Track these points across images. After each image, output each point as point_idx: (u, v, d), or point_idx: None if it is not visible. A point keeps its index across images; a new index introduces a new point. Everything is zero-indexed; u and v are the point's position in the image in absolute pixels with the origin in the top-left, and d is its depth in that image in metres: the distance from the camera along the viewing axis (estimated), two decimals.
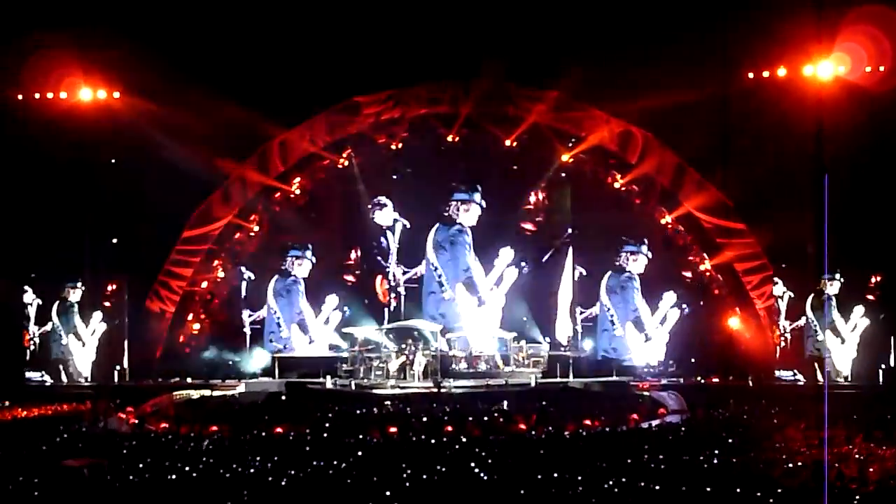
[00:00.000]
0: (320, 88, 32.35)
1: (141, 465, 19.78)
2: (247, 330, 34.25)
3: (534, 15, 30.18)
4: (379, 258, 34.61)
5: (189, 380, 32.31)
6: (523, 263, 34.29)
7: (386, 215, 34.38)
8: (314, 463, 19.91)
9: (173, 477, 18.99)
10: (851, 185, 29.40)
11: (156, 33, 31.29)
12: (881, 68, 30.08)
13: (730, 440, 21.91)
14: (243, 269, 34.63)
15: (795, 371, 31.86)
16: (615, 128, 33.03)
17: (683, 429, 24.14)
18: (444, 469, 19.25)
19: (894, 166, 30.13)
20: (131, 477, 19.00)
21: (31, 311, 33.28)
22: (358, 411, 26.55)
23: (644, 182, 33.66)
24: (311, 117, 33.89)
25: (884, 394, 29.28)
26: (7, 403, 28.34)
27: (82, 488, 18.34)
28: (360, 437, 23.58)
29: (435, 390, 29.70)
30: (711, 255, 33.39)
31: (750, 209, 32.12)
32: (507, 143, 33.79)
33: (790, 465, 18.95)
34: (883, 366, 30.80)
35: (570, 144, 33.52)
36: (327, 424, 25.05)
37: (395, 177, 34.43)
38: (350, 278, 35.11)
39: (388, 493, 17.46)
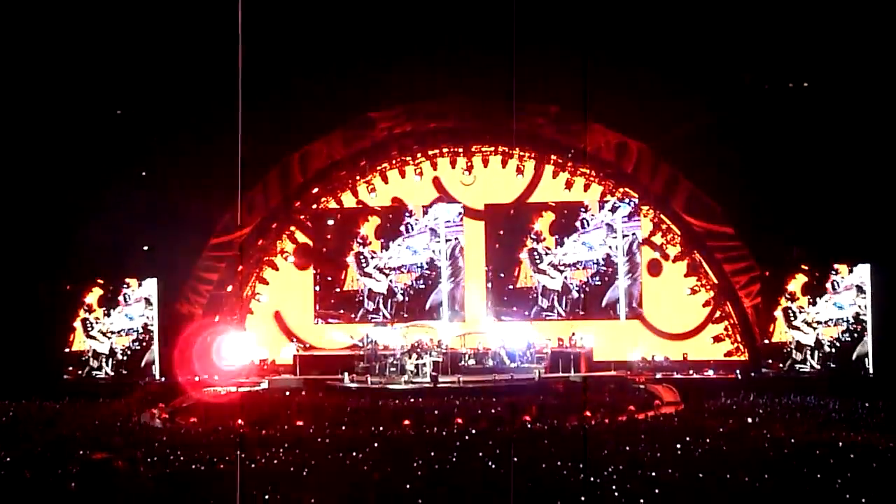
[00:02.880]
0: (338, 106, 32.31)
1: (172, 458, 19.86)
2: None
3: (535, 32, 30.11)
4: None
5: (216, 377, 32.31)
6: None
7: None
8: (333, 454, 19.97)
9: (202, 469, 19.06)
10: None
11: (183, 48, 31.51)
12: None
13: (720, 429, 21.94)
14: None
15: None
16: (612, 140, 32.90)
17: (677, 419, 24.19)
18: (454, 459, 19.30)
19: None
20: (164, 469, 19.08)
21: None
22: (373, 405, 26.70)
23: (639, 189, 33.58)
24: (329, 133, 33.74)
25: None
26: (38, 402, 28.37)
27: (117, 480, 18.37)
28: (375, 429, 23.62)
29: (431, 385, 29.84)
30: (702, 257, 33.26)
31: (739, 214, 31.96)
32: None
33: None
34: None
35: (570, 154, 33.46)
36: (345, 418, 25.10)
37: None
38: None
39: (404, 483, 17.49)
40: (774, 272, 31.58)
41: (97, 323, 33.07)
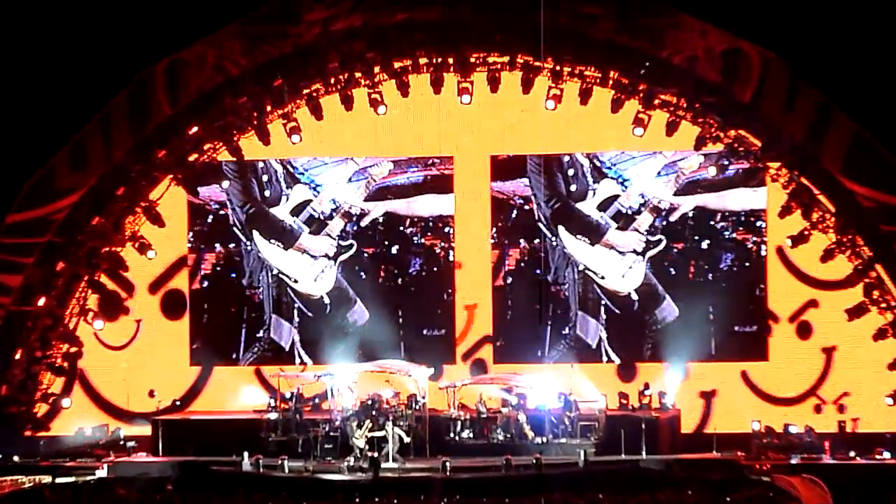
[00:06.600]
0: None
1: None
2: None
3: None
4: None
5: (16, 458, 32.18)
6: None
7: None
8: None
9: None
10: None
11: None
12: None
13: None
14: None
15: None
16: (716, 45, 32.60)
17: None
18: None
19: None
20: None
21: None
22: None
23: (764, 132, 33.34)
24: (217, 30, 33.65)
25: None
26: None
27: None
28: None
29: (370, 477, 29.85)
30: (874, 251, 33.09)
31: None
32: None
33: None
34: None
35: (643, 71, 33.08)
36: None
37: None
38: None
39: None
40: None
41: None
